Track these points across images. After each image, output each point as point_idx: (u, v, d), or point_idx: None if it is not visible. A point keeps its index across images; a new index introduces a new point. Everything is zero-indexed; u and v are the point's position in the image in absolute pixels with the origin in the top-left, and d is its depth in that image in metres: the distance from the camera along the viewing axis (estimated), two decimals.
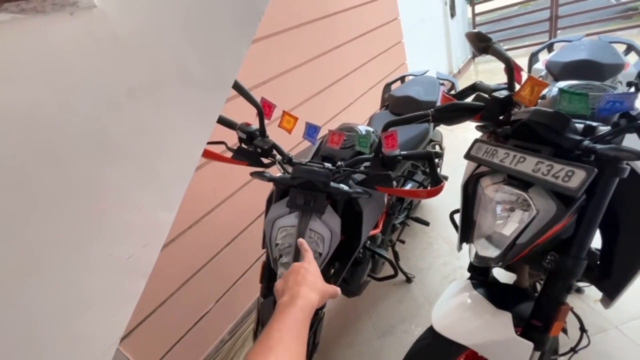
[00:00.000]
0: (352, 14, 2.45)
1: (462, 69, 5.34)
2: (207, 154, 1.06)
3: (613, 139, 0.69)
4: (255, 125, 1.09)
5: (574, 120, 0.77)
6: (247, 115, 1.12)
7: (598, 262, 0.87)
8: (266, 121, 1.09)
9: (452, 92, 1.54)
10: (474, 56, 5.94)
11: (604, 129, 0.71)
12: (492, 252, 0.80)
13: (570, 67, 1.36)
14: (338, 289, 0.64)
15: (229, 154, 1.10)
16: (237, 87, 0.99)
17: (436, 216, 2.15)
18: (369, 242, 1.46)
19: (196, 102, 0.53)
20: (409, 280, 1.79)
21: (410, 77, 1.95)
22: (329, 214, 1.04)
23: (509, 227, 0.79)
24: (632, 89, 0.68)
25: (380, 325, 1.64)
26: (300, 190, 1.02)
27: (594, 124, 0.73)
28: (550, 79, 1.45)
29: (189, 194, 1.41)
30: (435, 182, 1.02)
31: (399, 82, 2.01)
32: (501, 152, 0.81)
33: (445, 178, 1.48)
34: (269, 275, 1.19)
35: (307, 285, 0.57)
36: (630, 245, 0.80)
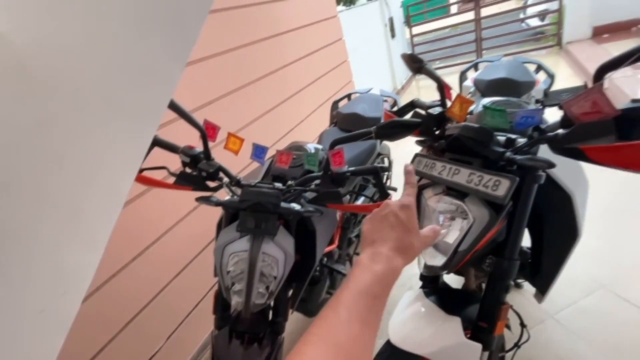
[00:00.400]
0: (298, 35, 2.52)
1: (404, 85, 5.71)
2: (146, 181, 0.99)
3: (530, 149, 0.78)
4: (199, 148, 1.04)
5: (498, 133, 0.85)
6: (191, 138, 1.08)
7: (529, 260, 0.95)
8: (212, 143, 1.05)
9: (395, 108, 1.63)
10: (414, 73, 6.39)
11: (521, 140, 0.80)
12: (439, 260, 0.84)
13: (493, 84, 1.52)
14: (437, 229, 0.52)
15: (172, 179, 1.04)
16: (177, 110, 0.95)
17: None
18: (325, 259, 1.46)
19: (123, 132, 0.49)
20: None
21: (356, 95, 2.03)
22: (282, 235, 1.02)
23: (452, 235, 0.83)
24: (540, 106, 0.78)
25: None
26: (250, 213, 0.99)
27: (514, 136, 0.81)
28: (478, 95, 1.61)
29: (130, 225, 1.31)
30: (383, 195, 1.06)
31: (346, 100, 2.08)
32: (439, 165, 0.86)
33: (394, 189, 1.54)
34: (222, 306, 1.12)
35: (396, 241, 0.45)
36: (554, 242, 0.89)
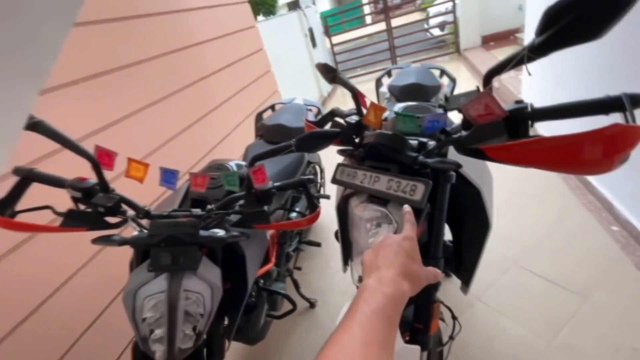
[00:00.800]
0: (215, 46, 2.40)
1: (330, 93, 5.89)
2: (22, 227, 0.80)
3: (440, 151, 0.82)
4: (94, 179, 0.88)
5: (411, 137, 0.88)
6: (83, 169, 0.91)
7: (452, 253, 1.00)
8: (113, 173, 0.90)
9: (319, 117, 1.63)
10: None
11: (432, 143, 0.84)
12: None
13: (406, 89, 1.62)
14: (439, 272, 0.51)
15: (59, 221, 0.86)
16: (57, 137, 0.79)
17: (329, 233, 2.22)
18: (262, 281, 1.37)
19: None
20: (312, 305, 1.76)
21: (280, 105, 2.00)
22: (206, 266, 0.92)
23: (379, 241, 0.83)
24: (442, 110, 0.84)
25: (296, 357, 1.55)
26: (165, 248, 0.86)
27: (424, 140, 0.85)
28: (394, 100, 1.70)
29: (16, 280, 1.05)
30: (312, 207, 1.02)
31: (270, 111, 2.03)
32: (360, 173, 0.86)
33: (327, 197, 1.52)
34: (142, 358, 0.96)
35: (401, 267, 0.44)
36: (471, 235, 0.95)
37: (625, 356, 1.20)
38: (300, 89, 4.65)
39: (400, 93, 1.64)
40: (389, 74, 1.95)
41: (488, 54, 4.88)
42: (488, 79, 0.67)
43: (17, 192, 0.82)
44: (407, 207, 0.60)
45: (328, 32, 6.21)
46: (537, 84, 2.60)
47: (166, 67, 1.85)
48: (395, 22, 6.06)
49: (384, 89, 1.83)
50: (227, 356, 1.28)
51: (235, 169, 1.20)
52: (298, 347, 1.60)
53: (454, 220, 0.99)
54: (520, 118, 0.66)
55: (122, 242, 0.84)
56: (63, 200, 0.87)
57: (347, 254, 1.05)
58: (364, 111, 0.97)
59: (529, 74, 0.57)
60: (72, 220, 0.83)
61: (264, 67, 3.22)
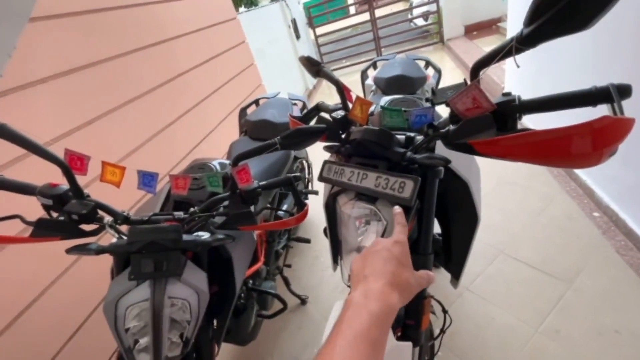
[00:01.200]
0: (193, 39, 2.31)
1: (316, 85, 5.82)
2: None
3: (428, 146, 0.80)
4: (66, 185, 0.83)
5: (398, 132, 0.86)
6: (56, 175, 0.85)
7: (441, 246, 1.00)
8: (87, 177, 0.85)
9: (304, 111, 1.60)
10: None
11: (419, 138, 0.82)
12: None
13: (391, 81, 1.60)
14: (431, 275, 0.48)
15: (30, 231, 0.81)
16: (20, 141, 0.73)
17: (318, 229, 2.21)
18: (250, 281, 1.35)
19: None
20: (303, 302, 1.75)
21: (265, 100, 1.95)
22: (190, 271, 0.88)
23: (369, 239, 0.81)
24: (430, 104, 0.82)
25: (292, 353, 1.54)
26: (146, 254, 0.83)
27: (412, 134, 0.83)
28: (380, 93, 1.68)
29: None
30: (300, 205, 1.00)
31: (254, 106, 1.98)
32: (347, 171, 0.83)
33: (315, 193, 1.49)
34: None
35: (391, 276, 0.42)
36: (459, 229, 0.95)
37: (608, 339, 1.24)
38: (285, 82, 4.58)
39: (386, 85, 1.62)
40: (374, 65, 1.93)
41: (471, 44, 4.91)
42: (475, 71, 0.66)
43: None
44: (397, 208, 0.58)
45: (312, 23, 6.11)
46: (520, 74, 2.62)
47: (142, 63, 1.77)
48: (379, 12, 6.01)
49: (369, 81, 1.81)
50: (218, 357, 1.26)
51: (218, 168, 1.16)
52: (290, 344, 1.59)
53: (442, 214, 0.98)
54: (509, 111, 0.65)
55: (100, 250, 0.80)
56: (34, 208, 0.82)
57: (337, 252, 1.03)
58: (350, 105, 0.95)
59: (517, 66, 0.55)
60: (43, 230, 0.78)
61: (246, 60, 3.14)
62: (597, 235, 1.64)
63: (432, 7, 5.84)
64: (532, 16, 0.52)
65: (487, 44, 4.67)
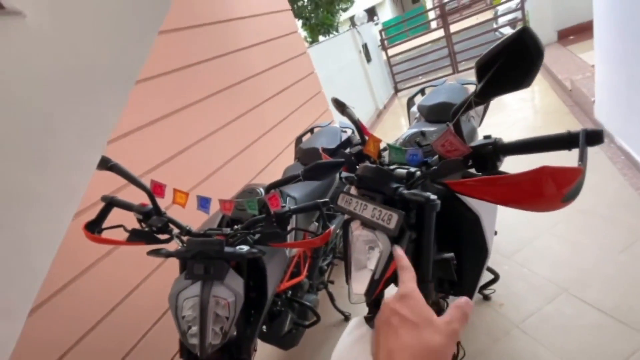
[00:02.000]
0: (267, 75, 2.71)
1: (387, 104, 5.89)
2: (102, 241, 1.10)
3: (425, 182, 0.87)
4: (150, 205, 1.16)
5: (404, 167, 0.95)
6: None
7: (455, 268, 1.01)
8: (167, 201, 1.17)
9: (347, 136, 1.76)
10: (396, 91, 6.60)
11: (419, 173, 0.89)
12: (361, 287, 0.92)
13: (433, 109, 1.63)
14: (469, 305, 0.39)
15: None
16: (123, 174, 1.07)
17: None
18: (290, 292, 1.52)
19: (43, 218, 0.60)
20: (346, 318, 1.85)
21: (318, 129, 2.17)
22: (231, 277, 1.11)
23: (371, 263, 0.91)
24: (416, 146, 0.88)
25: None
26: (199, 260, 1.08)
27: (413, 169, 0.91)
28: (423, 120, 1.72)
29: (94, 287, 1.39)
30: (325, 228, 1.15)
31: (309, 134, 2.21)
32: (354, 201, 0.95)
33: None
34: (187, 350, 1.19)
35: (409, 349, 0.35)
36: (469, 260, 0.96)
37: None
38: (355, 104, 4.78)
39: (428, 113, 1.66)
40: (422, 92, 1.97)
41: (564, 51, 4.35)
42: (453, 116, 0.73)
43: (102, 214, 1.13)
44: (398, 250, 0.52)
45: (384, 45, 6.26)
46: (609, 86, 2.28)
47: (222, 101, 2.19)
48: (465, 23, 5.80)
49: (414, 108, 1.86)
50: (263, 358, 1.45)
51: (258, 198, 1.39)
52: (328, 356, 1.70)
53: (455, 243, 1.00)
54: (486, 153, 0.69)
55: (167, 254, 1.09)
56: (131, 219, 1.16)
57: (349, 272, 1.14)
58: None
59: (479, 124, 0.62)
60: (135, 237, 1.10)
61: (314, 89, 3.46)
62: None
63: (520, 14, 5.38)
64: (478, 76, 0.59)
65: (585, 49, 4.08)
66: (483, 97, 0.61)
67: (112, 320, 1.43)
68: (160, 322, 1.62)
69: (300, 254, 1.59)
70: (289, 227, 1.18)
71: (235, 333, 1.21)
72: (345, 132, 2.05)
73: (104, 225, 1.14)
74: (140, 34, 0.72)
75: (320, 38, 6.15)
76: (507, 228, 1.93)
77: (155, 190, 1.12)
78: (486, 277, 1.27)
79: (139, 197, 1.16)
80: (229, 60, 2.32)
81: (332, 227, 1.15)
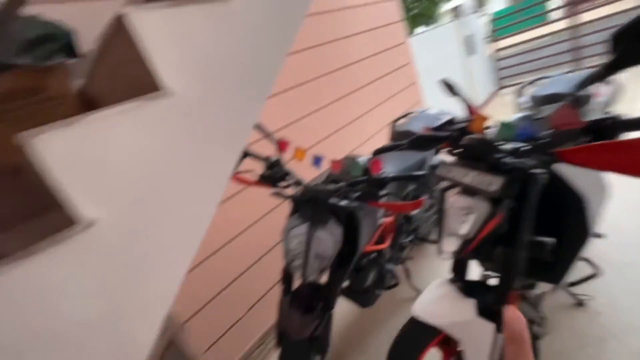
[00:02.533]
0: (365, 63, 2.87)
1: (487, 101, 5.49)
2: (239, 180, 1.41)
3: (531, 155, 0.91)
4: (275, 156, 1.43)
5: (510, 142, 1.00)
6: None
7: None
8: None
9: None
10: (499, 88, 6.08)
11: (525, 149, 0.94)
12: (452, 246, 1.02)
13: (545, 99, 1.57)
14: None
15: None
16: (262, 130, 1.36)
17: None
18: (375, 254, 1.68)
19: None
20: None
21: (413, 114, 2.24)
22: (333, 225, 1.31)
23: (464, 228, 1.00)
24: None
25: (393, 335, 1.78)
26: (308, 205, 1.31)
27: (519, 145, 0.95)
28: (536, 108, 1.67)
29: (220, 220, 1.77)
30: (417, 197, 1.27)
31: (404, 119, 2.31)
32: (455, 169, 1.05)
33: None
34: (288, 278, 1.46)
35: None
36: (567, 240, 0.97)
37: None
38: (451, 98, 4.62)
39: (540, 102, 1.61)
40: (534, 83, 1.88)
41: None
42: (579, 86, 0.77)
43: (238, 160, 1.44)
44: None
45: (493, 37, 5.78)
46: None
47: (327, 83, 2.43)
48: (596, 13, 4.98)
49: (524, 98, 1.80)
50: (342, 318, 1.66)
51: (362, 162, 1.57)
52: (400, 325, 1.83)
53: (553, 227, 1.01)
54: (604, 128, 0.72)
55: (286, 197, 1.34)
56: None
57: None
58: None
59: None
60: (262, 180, 1.39)
61: (409, 79, 3.49)
62: None
63: None
64: (613, 48, 0.63)
65: None
66: (615, 68, 0.64)
67: (232, 246, 1.80)
68: (269, 253, 1.98)
69: (386, 225, 1.73)
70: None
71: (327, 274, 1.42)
72: (440, 120, 2.09)
73: (239, 169, 1.46)
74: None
75: (419, 30, 5.99)
76: (624, 233, 1.75)
77: (280, 146, 1.38)
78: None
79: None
80: (337, 46, 2.54)
81: (423, 199, 1.26)
